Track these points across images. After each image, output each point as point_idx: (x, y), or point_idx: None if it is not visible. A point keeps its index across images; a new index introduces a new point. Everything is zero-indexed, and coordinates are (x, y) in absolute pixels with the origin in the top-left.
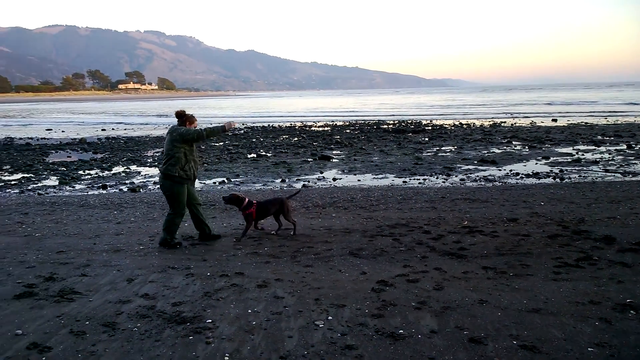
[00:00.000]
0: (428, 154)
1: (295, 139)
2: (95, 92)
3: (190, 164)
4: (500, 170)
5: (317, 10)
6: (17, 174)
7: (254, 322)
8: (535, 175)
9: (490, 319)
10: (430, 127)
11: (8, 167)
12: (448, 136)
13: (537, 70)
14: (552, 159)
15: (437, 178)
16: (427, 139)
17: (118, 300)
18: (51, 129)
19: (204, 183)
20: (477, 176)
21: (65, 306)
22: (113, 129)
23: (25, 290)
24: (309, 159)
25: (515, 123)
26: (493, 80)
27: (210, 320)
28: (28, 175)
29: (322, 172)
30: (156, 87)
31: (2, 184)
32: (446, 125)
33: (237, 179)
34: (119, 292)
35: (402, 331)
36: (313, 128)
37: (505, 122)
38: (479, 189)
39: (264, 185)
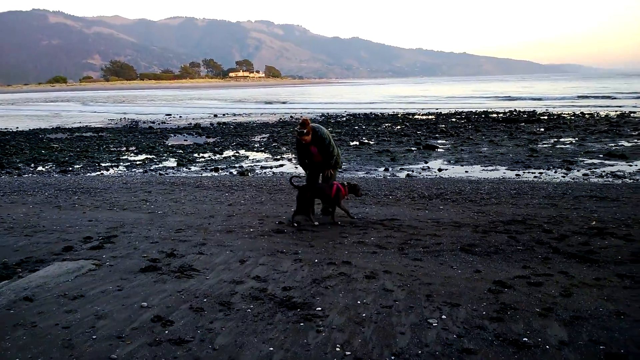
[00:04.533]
0: (544, 145)
1: (398, 127)
2: (209, 80)
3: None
4: (631, 165)
5: None
6: (142, 154)
7: (363, 314)
8: None
9: (630, 334)
10: (546, 117)
11: (134, 148)
12: (567, 126)
13: None
14: None
15: (555, 172)
16: (542, 129)
17: (232, 280)
18: (170, 114)
19: None
20: (604, 171)
21: (185, 282)
22: (224, 114)
23: (150, 265)
24: (412, 148)
25: None
26: (620, 66)
27: (320, 308)
28: (151, 157)
29: (426, 162)
30: (263, 75)
31: (129, 163)
32: (565, 115)
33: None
34: (232, 272)
35: (526, 339)
36: (416, 116)
37: (635, 112)
38: (606, 186)
39: (367, 173)
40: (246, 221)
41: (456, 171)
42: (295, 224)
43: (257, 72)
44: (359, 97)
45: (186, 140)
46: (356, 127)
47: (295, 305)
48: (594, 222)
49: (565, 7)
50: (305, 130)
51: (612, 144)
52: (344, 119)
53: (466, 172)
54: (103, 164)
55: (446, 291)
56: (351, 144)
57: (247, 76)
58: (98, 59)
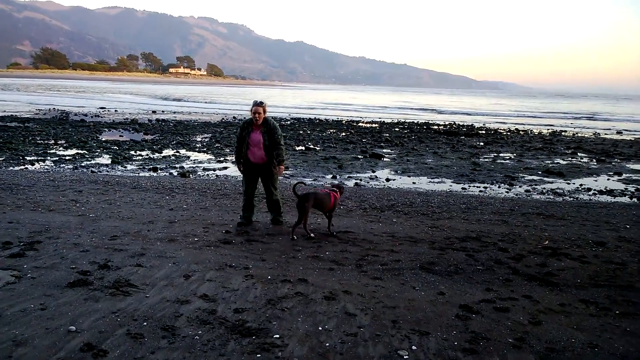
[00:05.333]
0: (486, 159)
1: (343, 133)
2: (147, 74)
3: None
4: (569, 183)
5: (370, 3)
6: (72, 149)
7: (327, 344)
8: (610, 192)
9: None
10: (484, 131)
11: (63, 142)
12: (505, 142)
13: (599, 77)
14: (625, 175)
15: (499, 187)
16: (482, 143)
17: (176, 299)
18: (104, 107)
19: None
20: (544, 188)
21: (121, 300)
22: (163, 111)
23: (80, 278)
24: (359, 156)
25: (577, 133)
26: (549, 86)
27: (277, 335)
28: (82, 152)
29: (374, 171)
30: (205, 73)
31: (57, 158)
32: (501, 130)
33: (286, 172)
34: (176, 289)
35: None
36: (360, 124)
37: (566, 131)
38: (550, 204)
39: (314, 180)
40: (190, 229)
41: (404, 182)
42: (294, 237)
43: (199, 69)
44: (303, 101)
45: (122, 136)
46: (301, 132)
47: (250, 332)
48: (546, 242)
49: (500, 27)
50: (263, 103)
51: (549, 161)
52: (289, 122)
53: (414, 183)
54: (28, 158)
55: (412, 317)
56: (297, 148)
57: (189, 73)
58: (28, 45)
